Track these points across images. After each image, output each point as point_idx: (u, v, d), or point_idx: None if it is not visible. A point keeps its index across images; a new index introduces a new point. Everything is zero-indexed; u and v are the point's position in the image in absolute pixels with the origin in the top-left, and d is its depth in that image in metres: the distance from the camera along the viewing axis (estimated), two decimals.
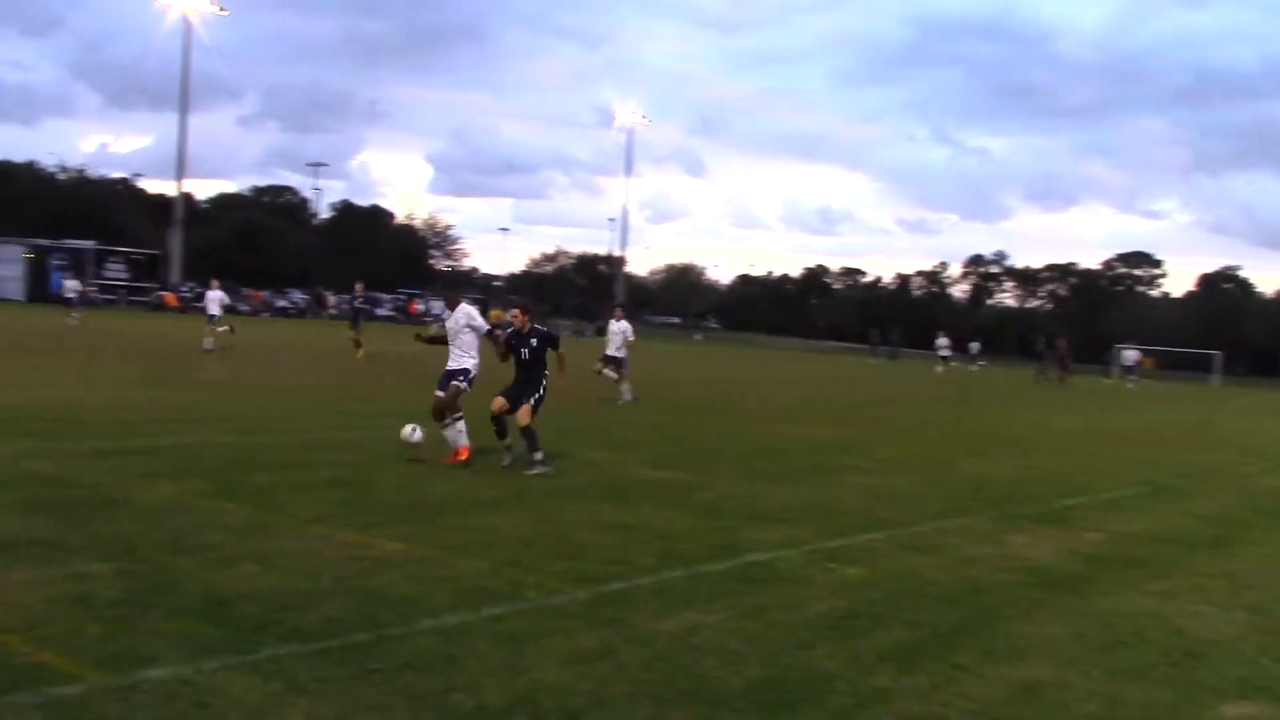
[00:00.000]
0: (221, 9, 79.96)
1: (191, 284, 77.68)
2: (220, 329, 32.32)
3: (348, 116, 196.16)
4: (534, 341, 13.01)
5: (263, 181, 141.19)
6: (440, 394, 13.11)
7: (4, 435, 12.94)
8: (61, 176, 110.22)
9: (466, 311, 13.29)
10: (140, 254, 79.69)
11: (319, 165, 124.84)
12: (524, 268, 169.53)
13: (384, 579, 7.63)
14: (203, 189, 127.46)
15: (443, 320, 13.67)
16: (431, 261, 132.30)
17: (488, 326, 13.30)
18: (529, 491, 11.70)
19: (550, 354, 13.18)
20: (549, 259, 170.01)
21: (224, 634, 6.21)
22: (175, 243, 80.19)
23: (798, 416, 25.02)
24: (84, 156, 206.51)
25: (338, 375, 26.56)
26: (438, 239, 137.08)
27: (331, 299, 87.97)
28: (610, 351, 23.80)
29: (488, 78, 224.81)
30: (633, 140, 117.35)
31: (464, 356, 13.16)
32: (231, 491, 10.47)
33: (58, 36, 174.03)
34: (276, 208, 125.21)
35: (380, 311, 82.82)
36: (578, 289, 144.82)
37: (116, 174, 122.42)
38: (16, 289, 71.05)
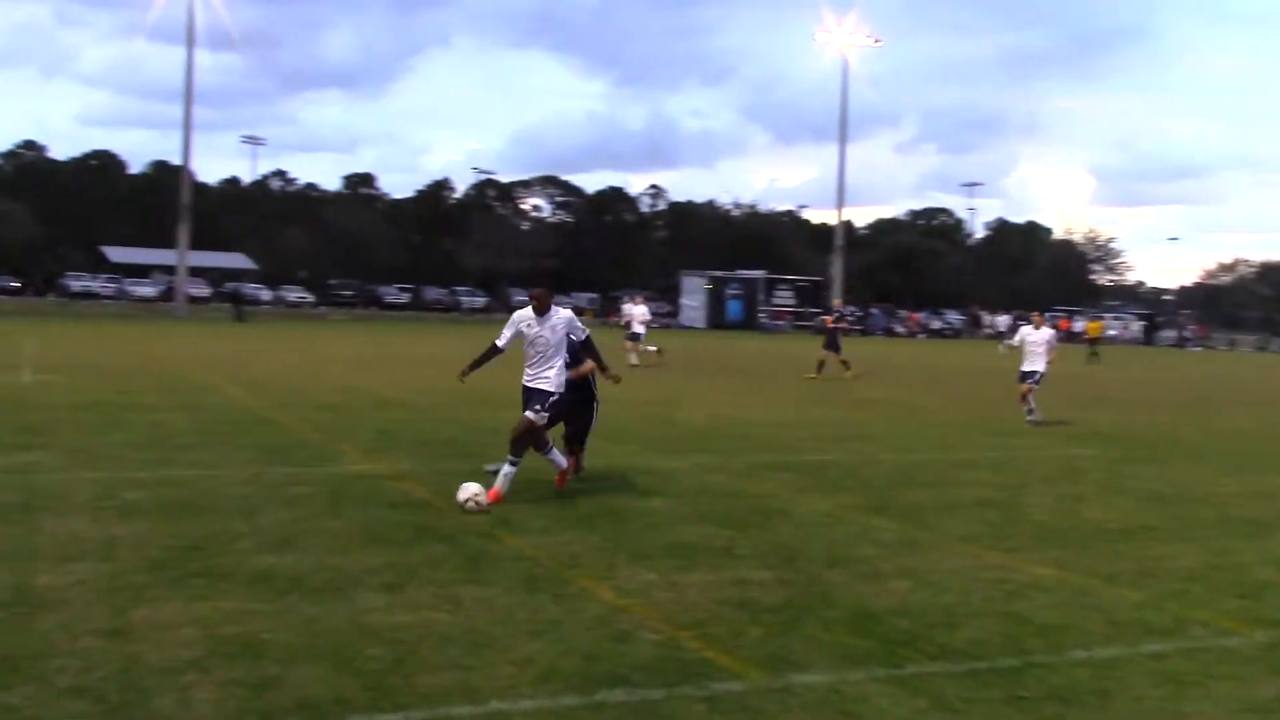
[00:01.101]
0: (876, 40, 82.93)
1: (852, 308, 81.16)
2: (647, 349, 31.95)
3: (1003, 133, 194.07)
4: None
5: (919, 205, 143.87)
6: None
7: (688, 450, 14.32)
8: (735, 212, 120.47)
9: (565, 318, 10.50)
10: (805, 281, 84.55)
11: (973, 185, 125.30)
12: (1196, 279, 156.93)
13: (1032, 603, 7.42)
14: (862, 216, 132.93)
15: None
16: (1092, 277, 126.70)
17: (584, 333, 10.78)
18: (1197, 521, 10.80)
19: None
20: (1226, 269, 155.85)
21: (872, 647, 6.38)
22: (836, 268, 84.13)
23: None
24: (755, 193, 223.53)
25: (992, 393, 26.28)
26: (1099, 253, 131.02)
27: (988, 318, 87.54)
28: None
29: (1155, 78, 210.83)
30: None
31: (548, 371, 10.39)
32: (884, 508, 10.74)
33: (731, 84, 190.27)
34: (932, 230, 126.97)
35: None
36: (1260, 299, 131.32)
37: (783, 206, 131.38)
38: (699, 317, 78.42)
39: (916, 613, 7.08)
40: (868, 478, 12.66)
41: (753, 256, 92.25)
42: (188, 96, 69.05)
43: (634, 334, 32.38)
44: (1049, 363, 19.41)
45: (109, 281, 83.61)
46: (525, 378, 10.41)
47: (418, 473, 11.72)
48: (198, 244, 73.88)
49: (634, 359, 31.34)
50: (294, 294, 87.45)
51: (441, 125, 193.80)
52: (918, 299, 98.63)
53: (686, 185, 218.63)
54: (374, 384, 22.68)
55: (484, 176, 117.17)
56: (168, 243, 76.00)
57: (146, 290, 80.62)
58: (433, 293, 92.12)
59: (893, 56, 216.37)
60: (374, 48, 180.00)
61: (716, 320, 75.83)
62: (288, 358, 30.96)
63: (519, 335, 10.34)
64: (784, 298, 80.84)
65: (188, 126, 69.42)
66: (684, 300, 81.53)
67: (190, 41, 68.90)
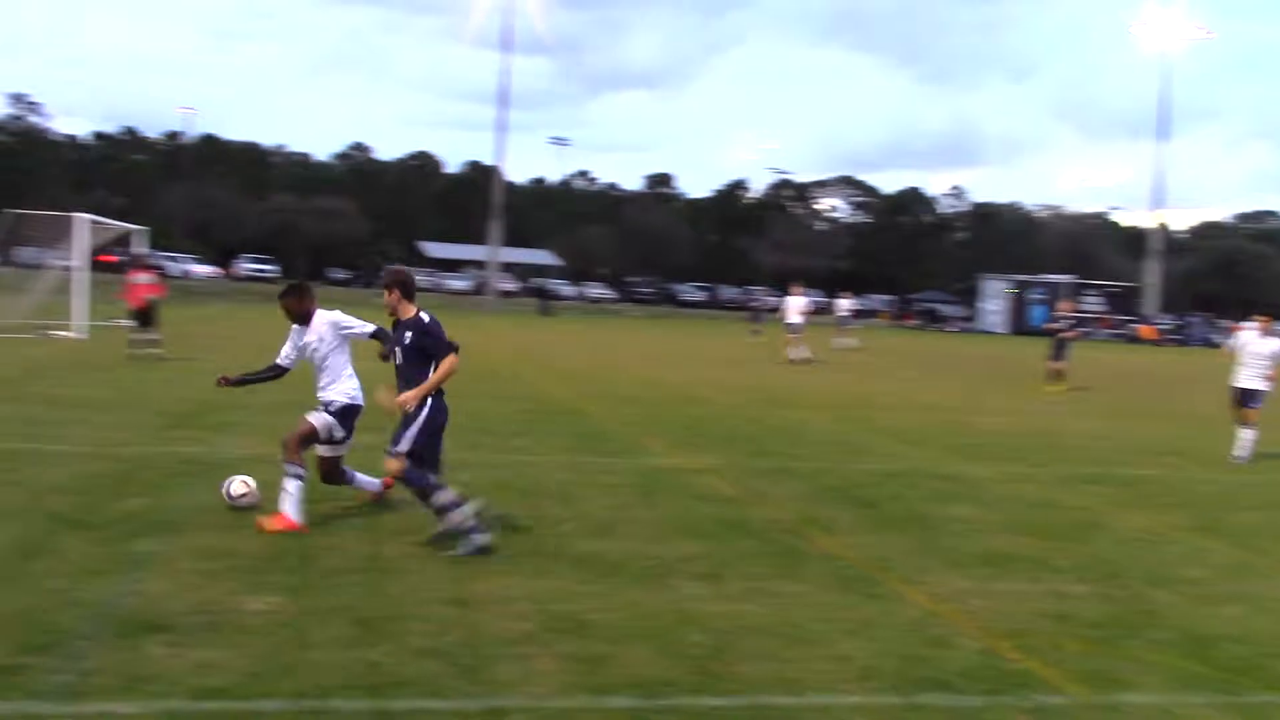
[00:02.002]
0: (1208, 32, 77.90)
1: (1171, 316, 76.64)
2: (798, 354, 30.15)
3: None
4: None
5: (1248, 207, 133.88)
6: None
7: (993, 457, 13.98)
8: (1040, 214, 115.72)
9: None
10: (1117, 286, 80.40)
11: None
12: None
13: None
14: (1182, 218, 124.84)
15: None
16: None
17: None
18: None
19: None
20: None
21: (1206, 672, 6.10)
22: (1152, 274, 79.61)
23: None
24: (1061, 193, 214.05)
25: None
26: None
27: None
28: None
29: None
30: None
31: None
32: (1212, 528, 10.17)
33: (1038, 79, 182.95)
34: (1261, 234, 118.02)
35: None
36: None
37: (1093, 208, 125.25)
38: (1000, 322, 75.91)
39: (1255, 640, 6.71)
40: (1189, 496, 12.00)
41: (1059, 260, 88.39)
42: (502, 100, 72.66)
43: (791, 325, 31.36)
44: (1270, 379, 15.31)
45: (425, 275, 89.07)
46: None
47: (723, 468, 11.96)
48: (507, 240, 77.69)
49: (793, 353, 30.48)
50: (595, 290, 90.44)
51: (740, 125, 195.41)
52: (1243, 308, 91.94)
53: (988, 185, 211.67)
54: (673, 379, 23.23)
55: (780, 177, 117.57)
56: (479, 239, 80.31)
57: (459, 284, 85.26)
58: (728, 291, 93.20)
59: (1221, 46, 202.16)
60: (676, 49, 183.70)
61: (1019, 326, 73.17)
62: (591, 351, 32.11)
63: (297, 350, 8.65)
64: (1093, 303, 77.10)
65: (501, 129, 73.07)
66: (984, 304, 79.16)
67: (505, 47, 72.49)
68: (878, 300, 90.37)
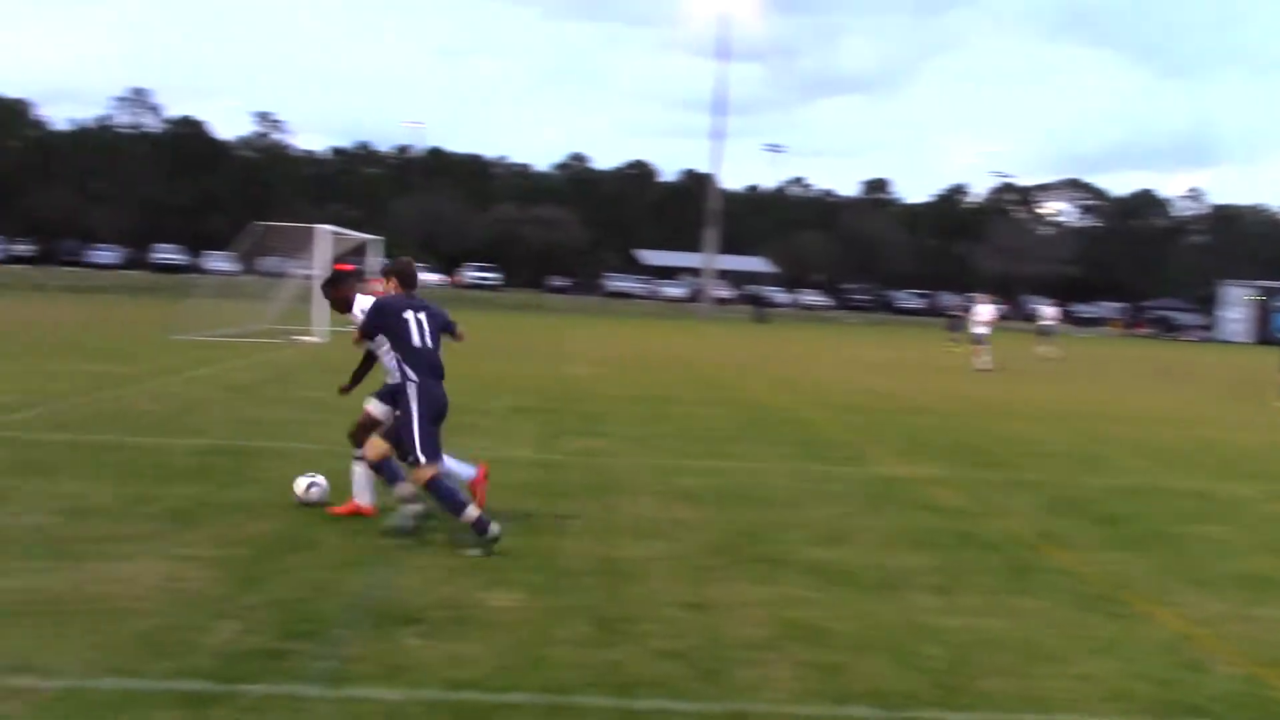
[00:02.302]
0: None
1: None
2: (982, 363, 29.41)
3: None
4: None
5: None
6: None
7: (1243, 475, 13.21)
8: None
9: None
10: None
11: None
12: None
13: None
14: None
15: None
16: None
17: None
18: None
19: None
20: None
21: None
22: None
23: None
24: None
25: None
26: None
27: None
28: None
29: None
30: None
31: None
32: None
33: None
34: None
35: None
36: None
37: None
38: (1242, 331, 71.75)
39: None
40: None
41: None
42: (718, 108, 73.03)
43: (976, 335, 30.60)
44: None
45: (641, 282, 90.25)
46: None
47: (951, 478, 11.71)
48: (722, 248, 77.96)
49: (977, 362, 29.71)
50: (810, 297, 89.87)
51: (959, 128, 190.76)
52: None
53: (1229, 186, 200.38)
54: (895, 387, 22.86)
55: (1003, 180, 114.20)
56: (694, 246, 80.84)
57: (675, 291, 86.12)
58: (947, 298, 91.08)
59: None
60: (893, 51, 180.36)
61: (1263, 335, 68.96)
62: (808, 359, 31.93)
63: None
64: None
65: (717, 136, 73.41)
66: (1224, 312, 74.97)
67: (721, 56, 72.84)
68: (1108, 308, 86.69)
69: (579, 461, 11.60)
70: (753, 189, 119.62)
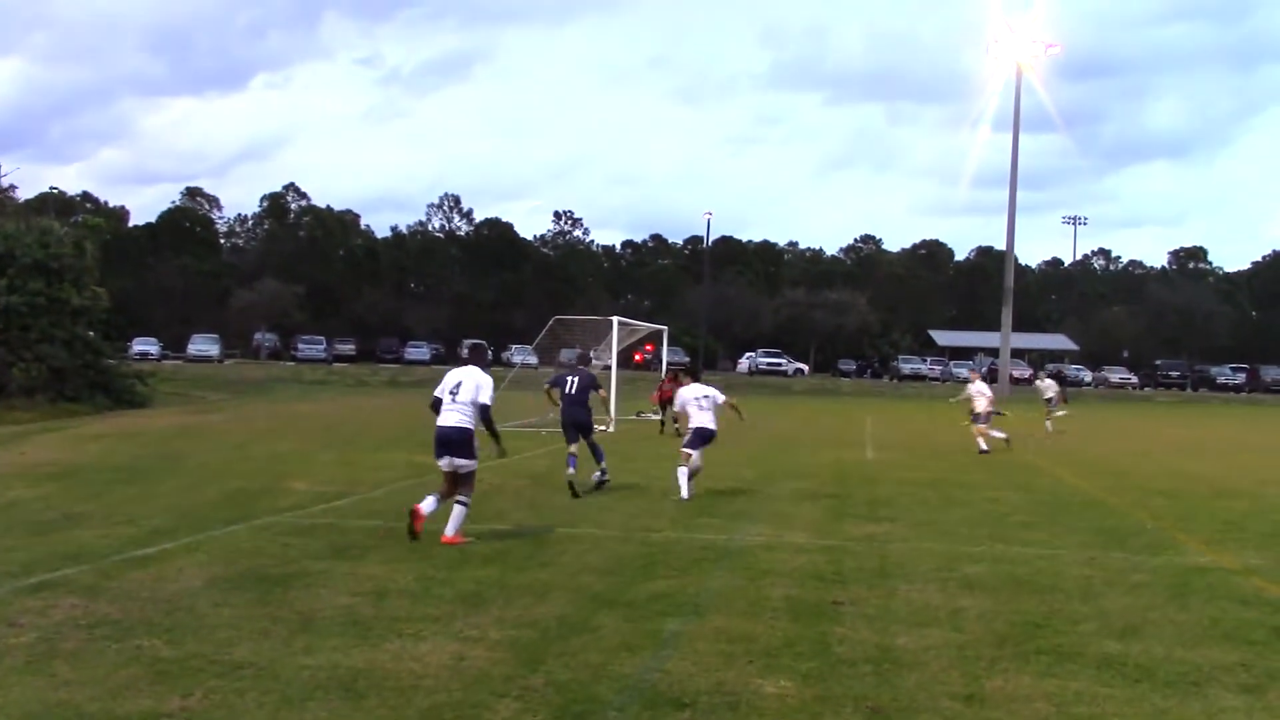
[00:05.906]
0: None
1: None
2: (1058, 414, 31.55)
3: None
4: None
5: None
6: None
7: None
8: None
9: None
10: None
11: None
12: None
13: None
14: None
15: None
16: None
17: None
18: None
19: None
20: None
21: None
22: None
23: None
24: None
25: None
26: None
27: None
28: None
29: None
30: None
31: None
32: None
33: None
34: None
35: None
36: None
37: None
38: None
39: None
40: None
41: None
42: (1013, 182, 71.20)
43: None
44: None
45: (935, 363, 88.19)
46: None
47: (1266, 568, 10.82)
48: (1018, 325, 75.38)
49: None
50: (1116, 374, 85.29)
51: None
52: None
53: None
54: (1210, 470, 21.37)
55: None
56: (989, 325, 78.50)
57: (964, 371, 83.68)
58: (1272, 372, 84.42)
59: None
60: (1205, 112, 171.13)
61: None
62: (1113, 439, 30.30)
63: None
64: None
65: (1012, 211, 71.46)
66: None
67: (1015, 128, 71.03)
68: None
69: (860, 547, 11.44)
70: (1053, 263, 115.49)
